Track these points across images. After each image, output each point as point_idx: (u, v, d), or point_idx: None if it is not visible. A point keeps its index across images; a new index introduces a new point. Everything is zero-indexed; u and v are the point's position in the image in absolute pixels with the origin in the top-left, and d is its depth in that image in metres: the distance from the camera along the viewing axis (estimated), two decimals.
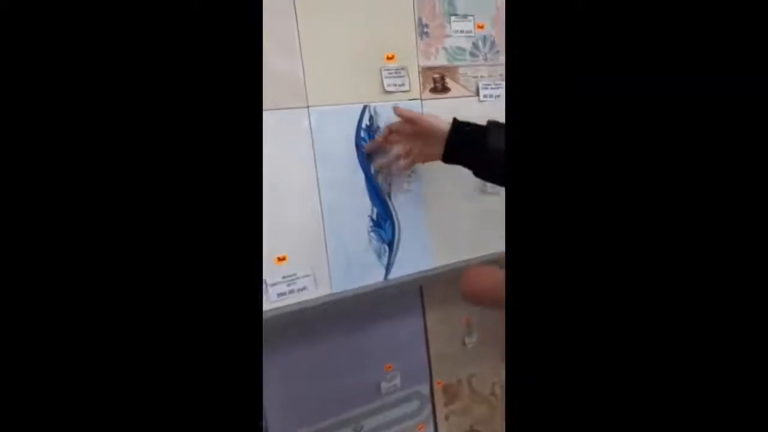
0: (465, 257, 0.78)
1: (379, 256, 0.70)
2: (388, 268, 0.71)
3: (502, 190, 0.78)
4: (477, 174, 0.63)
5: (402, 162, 0.66)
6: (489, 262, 0.82)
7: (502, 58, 0.74)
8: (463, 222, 0.76)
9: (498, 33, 0.73)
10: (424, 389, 1.00)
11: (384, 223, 0.69)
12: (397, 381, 0.96)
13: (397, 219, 0.70)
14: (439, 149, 0.62)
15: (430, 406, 1.01)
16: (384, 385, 0.95)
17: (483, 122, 0.62)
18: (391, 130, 0.66)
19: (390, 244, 0.71)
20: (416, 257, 0.74)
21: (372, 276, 0.70)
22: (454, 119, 0.62)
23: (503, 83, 0.75)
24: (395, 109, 0.65)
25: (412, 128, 0.64)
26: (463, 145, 0.61)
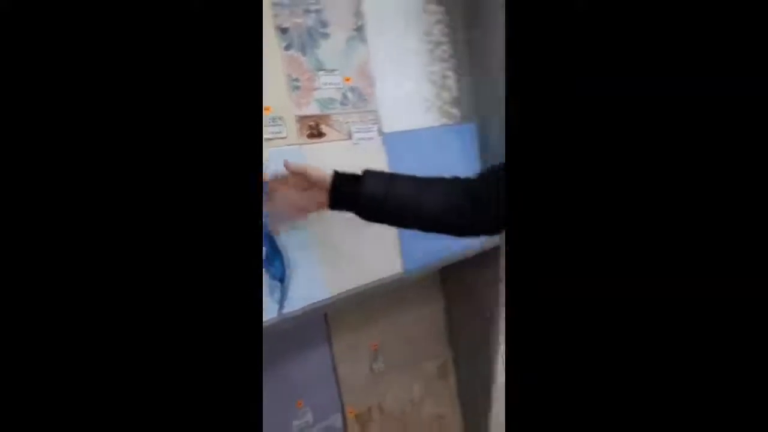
0: (358, 284, 0.84)
1: (272, 293, 0.74)
2: (281, 303, 0.75)
3: None
4: (360, 216, 0.69)
5: (296, 211, 0.73)
6: (392, 283, 0.89)
7: (370, 106, 0.84)
8: (351, 249, 0.82)
9: (364, 84, 0.83)
10: (337, 421, 1.02)
11: (273, 260, 0.73)
12: (309, 417, 0.97)
13: (286, 255, 0.75)
14: (326, 197, 0.69)
15: None
16: (296, 423, 0.95)
17: (359, 163, 0.70)
18: (282, 180, 0.71)
19: (281, 280, 0.75)
20: (309, 289, 0.78)
21: (266, 313, 0.73)
22: (334, 171, 0.69)
23: (375, 126, 0.84)
24: (285, 163, 0.71)
25: (302, 179, 0.70)
26: (345, 193, 0.68)
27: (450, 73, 0.95)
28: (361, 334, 1.03)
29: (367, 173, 0.69)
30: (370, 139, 0.83)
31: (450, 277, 1.14)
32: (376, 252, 0.86)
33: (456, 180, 0.68)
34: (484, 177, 0.67)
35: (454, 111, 0.96)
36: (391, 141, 0.86)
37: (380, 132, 0.85)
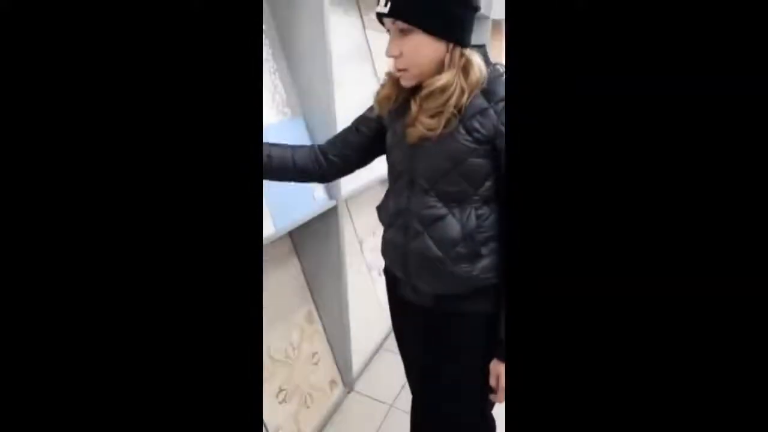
0: None
1: None
2: None
3: None
4: None
5: None
6: (268, 244, 1.10)
7: None
8: None
9: None
10: None
11: None
12: None
13: None
14: None
15: None
16: None
17: None
18: None
19: None
20: None
21: None
22: None
23: None
24: None
25: None
26: None
27: (278, 83, 1.26)
28: None
29: None
30: None
31: (300, 244, 1.44)
32: None
33: (312, 145, 0.99)
34: (329, 142, 1.00)
35: (287, 110, 1.28)
36: None
37: None
